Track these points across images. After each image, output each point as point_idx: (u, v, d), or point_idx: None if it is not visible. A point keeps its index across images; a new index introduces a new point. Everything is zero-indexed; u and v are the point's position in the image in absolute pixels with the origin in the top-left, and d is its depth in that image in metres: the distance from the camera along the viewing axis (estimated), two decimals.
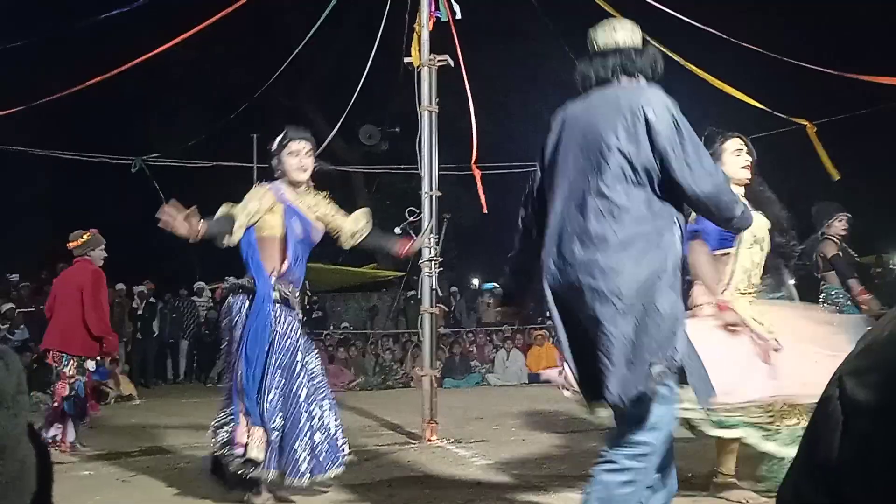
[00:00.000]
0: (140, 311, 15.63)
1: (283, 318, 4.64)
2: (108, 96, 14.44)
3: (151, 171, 12.75)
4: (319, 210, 4.93)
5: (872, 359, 0.87)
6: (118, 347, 8.34)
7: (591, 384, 3.03)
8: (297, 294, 4.88)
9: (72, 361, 7.06)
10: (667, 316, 2.91)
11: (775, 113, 9.05)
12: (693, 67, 8.67)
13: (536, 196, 3.41)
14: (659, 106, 3.04)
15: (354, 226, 5.01)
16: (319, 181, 5.04)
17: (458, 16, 7.77)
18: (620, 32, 3.27)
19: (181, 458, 6.53)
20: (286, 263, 4.69)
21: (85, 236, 7.37)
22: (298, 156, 4.80)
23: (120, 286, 15.37)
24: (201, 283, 17.57)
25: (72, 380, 7.00)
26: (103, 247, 7.46)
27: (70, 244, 7.36)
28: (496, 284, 16.07)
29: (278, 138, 4.87)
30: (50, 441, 6.72)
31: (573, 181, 3.14)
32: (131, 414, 10.39)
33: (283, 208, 4.73)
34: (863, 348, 0.90)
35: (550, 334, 16.10)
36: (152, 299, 15.98)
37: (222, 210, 4.63)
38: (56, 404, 7.02)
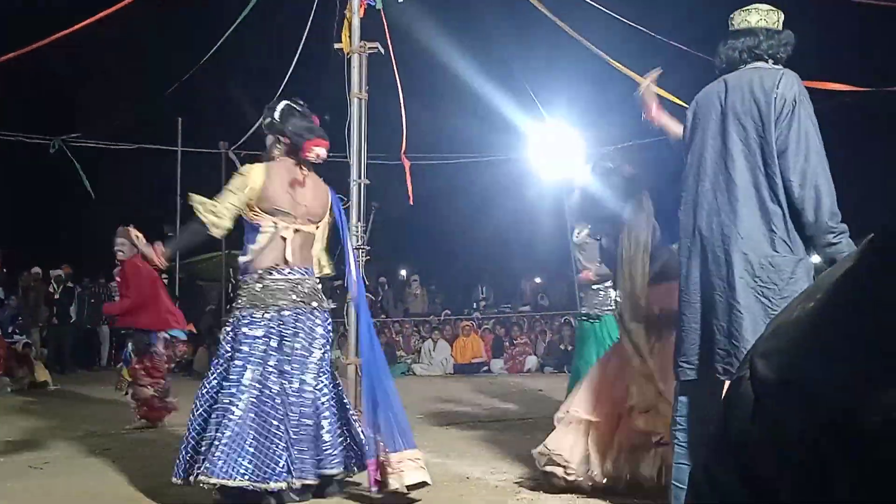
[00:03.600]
0: (57, 296, 15.18)
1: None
2: (27, 73, 13.94)
3: (72, 152, 12.37)
4: None
5: (782, 340, 0.90)
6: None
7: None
8: None
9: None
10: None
11: None
12: (623, 69, 8.79)
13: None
14: (787, 87, 3.21)
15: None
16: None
17: None
18: (754, 14, 3.43)
19: (96, 445, 6.38)
20: None
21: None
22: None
23: (35, 270, 14.92)
24: None
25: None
26: (117, 241, 7.60)
27: None
28: None
29: (299, 109, 4.61)
30: None
31: (710, 161, 3.35)
32: (46, 401, 10.09)
33: None
34: (773, 330, 0.93)
35: (477, 325, 16.23)
36: (69, 284, 15.53)
37: None
38: None
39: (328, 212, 4.71)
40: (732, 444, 0.91)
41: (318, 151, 4.56)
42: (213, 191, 4.53)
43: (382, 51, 7.57)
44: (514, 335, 15.45)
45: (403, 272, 20.25)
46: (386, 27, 7.68)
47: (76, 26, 8.23)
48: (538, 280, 18.37)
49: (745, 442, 0.89)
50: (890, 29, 10.91)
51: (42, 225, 18.88)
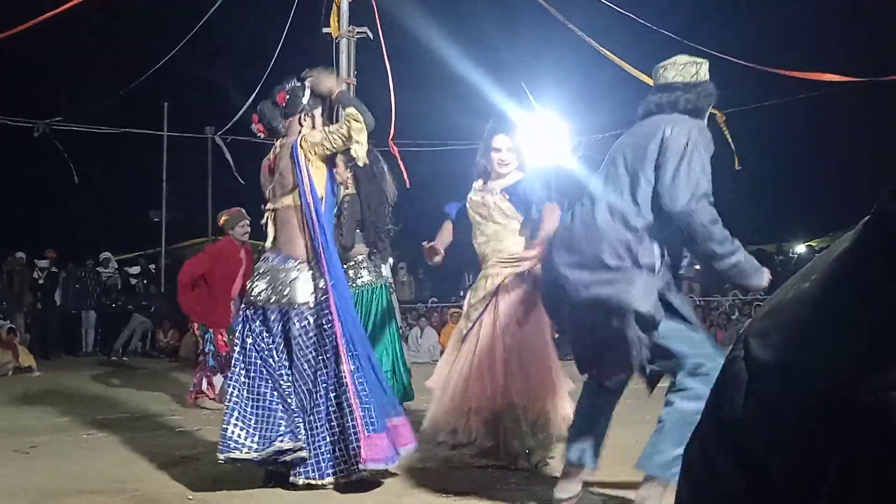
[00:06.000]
0: (41, 281, 15.09)
1: None
2: (11, 56, 13.83)
3: (56, 136, 12.29)
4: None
5: (776, 320, 0.89)
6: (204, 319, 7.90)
7: None
8: None
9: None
10: None
11: None
12: (612, 56, 8.79)
13: None
14: (679, 128, 3.27)
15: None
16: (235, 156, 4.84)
17: None
18: (671, 70, 3.48)
19: (81, 429, 6.36)
20: None
21: (223, 217, 7.79)
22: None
23: (20, 255, 14.83)
24: (107, 254, 17.07)
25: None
26: (245, 223, 7.65)
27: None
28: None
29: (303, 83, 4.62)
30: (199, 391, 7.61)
31: (605, 193, 3.43)
32: (30, 386, 10.04)
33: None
34: (767, 310, 0.92)
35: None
36: (54, 269, 15.44)
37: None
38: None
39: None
40: (726, 423, 0.91)
41: None
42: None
43: (371, 35, 7.54)
44: None
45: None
46: (376, 10, 7.65)
47: (62, 7, 8.14)
48: None
49: (739, 421, 0.89)
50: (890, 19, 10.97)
51: (27, 209, 18.76)
